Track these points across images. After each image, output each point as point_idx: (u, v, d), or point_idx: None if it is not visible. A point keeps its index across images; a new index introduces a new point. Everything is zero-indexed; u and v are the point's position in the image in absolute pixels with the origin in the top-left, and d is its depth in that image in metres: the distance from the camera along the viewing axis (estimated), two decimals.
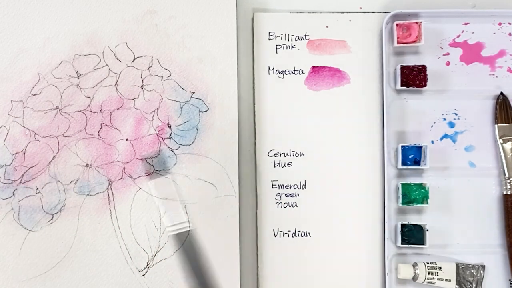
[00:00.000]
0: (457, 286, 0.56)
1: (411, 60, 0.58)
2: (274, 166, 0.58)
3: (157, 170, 0.57)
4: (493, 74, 0.59)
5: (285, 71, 0.59)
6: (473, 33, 0.59)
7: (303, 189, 0.58)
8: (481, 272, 0.56)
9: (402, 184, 0.56)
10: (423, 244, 0.56)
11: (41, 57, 0.57)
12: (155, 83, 0.58)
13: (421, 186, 0.56)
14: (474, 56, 0.59)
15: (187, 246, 0.46)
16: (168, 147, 0.57)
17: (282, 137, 0.58)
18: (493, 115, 0.58)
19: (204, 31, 0.58)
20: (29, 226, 0.56)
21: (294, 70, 0.59)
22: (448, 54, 0.59)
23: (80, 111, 0.57)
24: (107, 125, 0.57)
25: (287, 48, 0.59)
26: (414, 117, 0.58)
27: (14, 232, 0.56)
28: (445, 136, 0.58)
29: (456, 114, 0.58)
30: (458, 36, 0.59)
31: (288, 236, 0.58)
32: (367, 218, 0.58)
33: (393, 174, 0.58)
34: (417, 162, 0.57)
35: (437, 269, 0.56)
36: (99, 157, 0.57)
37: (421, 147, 0.57)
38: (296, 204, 0.58)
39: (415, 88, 0.57)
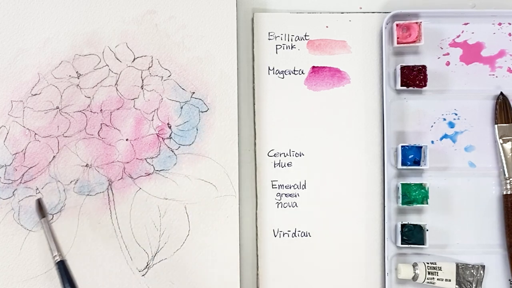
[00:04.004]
0: (457, 286, 0.56)
1: (411, 60, 0.58)
2: (274, 166, 0.58)
3: (157, 170, 0.57)
4: (493, 74, 0.59)
5: (285, 71, 0.59)
6: (473, 33, 0.59)
7: (303, 189, 0.58)
8: (481, 272, 0.56)
9: (402, 184, 0.56)
10: (423, 244, 0.56)
11: (41, 57, 0.57)
12: (155, 83, 0.58)
13: (421, 186, 0.56)
14: (474, 56, 0.59)
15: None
16: (168, 147, 0.57)
17: (282, 137, 0.58)
18: (493, 115, 0.58)
19: (204, 31, 0.58)
20: (29, 226, 0.56)
21: (294, 70, 0.59)
22: (448, 54, 0.59)
23: (80, 111, 0.57)
24: (107, 125, 0.57)
25: (287, 48, 0.59)
26: (414, 117, 0.58)
27: (14, 232, 0.56)
28: (445, 136, 0.58)
29: (456, 114, 0.58)
30: (458, 36, 0.59)
31: (288, 236, 0.58)
32: (367, 218, 0.58)
33: (393, 174, 0.58)
34: (417, 162, 0.57)
35: (437, 269, 0.56)
36: (99, 157, 0.57)
37: (421, 147, 0.57)
38: (296, 204, 0.58)
39: (415, 88, 0.57)
